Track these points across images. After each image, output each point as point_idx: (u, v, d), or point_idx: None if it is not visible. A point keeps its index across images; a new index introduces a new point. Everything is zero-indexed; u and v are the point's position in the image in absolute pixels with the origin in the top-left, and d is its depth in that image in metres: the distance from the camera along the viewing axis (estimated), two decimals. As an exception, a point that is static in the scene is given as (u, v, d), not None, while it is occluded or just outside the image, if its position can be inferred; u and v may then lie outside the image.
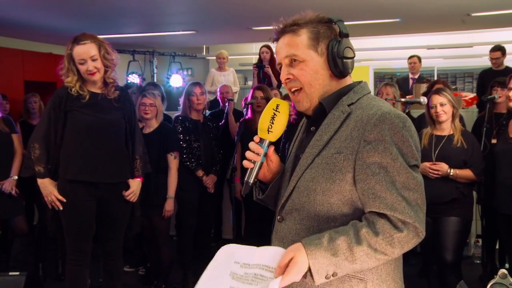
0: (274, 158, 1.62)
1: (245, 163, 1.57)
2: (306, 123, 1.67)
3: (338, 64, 1.52)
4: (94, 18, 6.83)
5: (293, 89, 1.57)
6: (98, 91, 3.18)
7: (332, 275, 1.39)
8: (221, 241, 5.64)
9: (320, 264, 1.37)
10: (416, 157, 1.45)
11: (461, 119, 3.86)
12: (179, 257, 4.50)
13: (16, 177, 4.30)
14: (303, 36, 1.53)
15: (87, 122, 3.11)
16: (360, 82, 1.61)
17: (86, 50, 3.04)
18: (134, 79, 6.29)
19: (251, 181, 1.57)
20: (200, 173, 4.37)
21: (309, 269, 1.38)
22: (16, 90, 7.21)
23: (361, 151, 1.43)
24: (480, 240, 4.86)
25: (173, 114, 4.84)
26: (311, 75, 1.53)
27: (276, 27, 1.58)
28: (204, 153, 4.42)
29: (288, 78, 1.56)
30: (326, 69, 1.54)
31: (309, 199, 1.49)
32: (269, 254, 1.43)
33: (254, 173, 1.57)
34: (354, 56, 1.55)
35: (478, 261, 4.91)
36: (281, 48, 1.56)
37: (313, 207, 1.49)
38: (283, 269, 1.37)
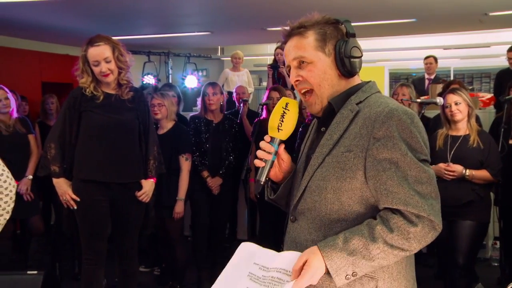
0: (285, 157, 1.63)
1: (256, 162, 1.58)
2: (317, 123, 1.68)
3: (346, 64, 1.55)
4: (110, 20, 6.88)
5: (303, 91, 1.60)
6: (112, 92, 3.21)
7: (352, 275, 1.40)
8: (235, 242, 5.64)
9: (337, 264, 1.38)
10: (425, 152, 1.47)
11: (478, 120, 3.81)
12: (194, 257, 4.52)
13: (31, 177, 4.35)
14: (310, 38, 1.55)
15: (100, 123, 3.14)
16: (368, 81, 1.63)
17: (100, 52, 3.07)
18: (150, 80, 6.32)
19: (263, 180, 1.57)
20: (205, 174, 4.37)
21: (327, 271, 1.39)
22: (33, 91, 7.31)
23: (371, 148, 1.45)
24: (498, 242, 4.79)
25: (188, 115, 4.85)
26: (319, 75, 1.55)
27: (283, 31, 1.61)
28: (211, 155, 4.41)
29: (297, 80, 1.59)
30: (334, 69, 1.56)
31: (320, 198, 1.51)
32: (288, 259, 1.44)
33: (266, 172, 1.58)
34: (361, 56, 1.57)
35: (496, 264, 4.85)
36: (289, 51, 1.59)
37: (324, 205, 1.51)
38: (298, 272, 1.39)
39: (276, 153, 1.59)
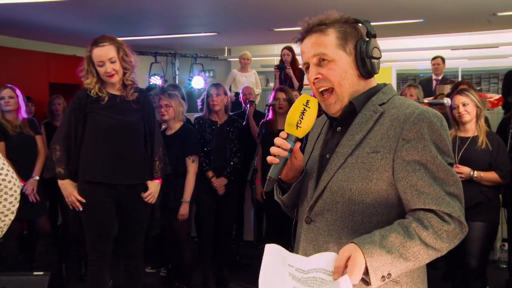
0: (299, 155, 1.57)
1: (270, 158, 1.52)
2: (329, 123, 1.65)
3: (367, 64, 1.53)
4: (117, 20, 6.88)
5: (321, 89, 1.55)
6: (117, 93, 3.20)
7: (387, 276, 1.34)
8: (242, 243, 5.65)
9: (377, 262, 1.31)
10: (452, 155, 1.46)
11: (486, 121, 3.78)
12: (200, 258, 4.51)
13: (37, 178, 4.36)
14: (332, 36, 1.52)
15: (105, 124, 3.14)
16: (385, 84, 1.61)
17: (104, 52, 3.07)
18: (156, 80, 6.32)
19: (275, 177, 1.52)
20: (209, 174, 4.36)
21: (366, 270, 1.31)
22: (41, 92, 7.32)
23: (400, 149, 1.43)
24: (506, 244, 4.75)
25: (194, 116, 4.85)
26: (340, 74, 1.52)
27: (302, 27, 1.57)
28: (215, 155, 4.41)
29: (317, 78, 1.54)
30: (354, 68, 1.54)
31: (344, 199, 1.48)
32: (324, 259, 1.36)
33: (278, 169, 1.52)
34: (380, 57, 1.55)
35: (504, 266, 4.80)
36: (308, 48, 1.55)
37: (348, 207, 1.47)
38: (342, 269, 1.29)
39: (291, 151, 1.53)
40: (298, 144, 1.55)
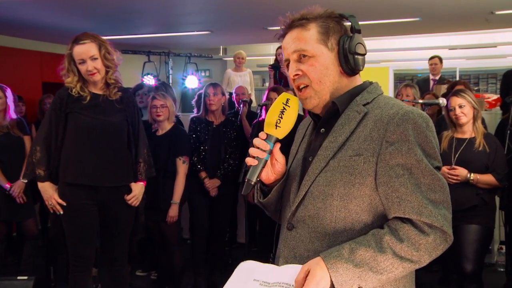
0: (280, 157, 1.49)
1: (248, 160, 1.44)
2: (313, 124, 1.57)
3: (350, 60, 1.45)
4: (109, 19, 6.82)
5: (301, 86, 1.48)
6: (100, 92, 3.11)
7: None
8: (235, 245, 5.59)
9: (343, 277, 1.28)
10: (439, 158, 1.40)
11: (483, 122, 3.71)
12: (192, 261, 4.44)
13: (25, 180, 4.26)
14: (313, 30, 1.45)
15: (88, 124, 3.04)
16: (371, 82, 1.53)
17: (85, 50, 2.98)
18: (150, 80, 6.21)
19: (254, 180, 1.43)
20: (202, 175, 4.29)
21: (332, 285, 1.28)
22: (34, 92, 7.28)
23: (383, 152, 1.36)
24: (503, 247, 4.68)
25: (189, 116, 4.77)
26: (321, 71, 1.45)
27: (284, 22, 1.49)
28: (209, 156, 4.34)
29: (297, 74, 1.47)
30: (336, 65, 1.47)
31: (325, 204, 1.40)
32: (290, 272, 1.34)
33: (257, 172, 1.44)
34: (365, 53, 1.47)
35: (502, 269, 4.73)
36: (288, 43, 1.48)
37: (330, 213, 1.40)
38: (301, 284, 1.28)
39: (271, 152, 1.45)
40: (278, 145, 1.47)
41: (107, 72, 3.07)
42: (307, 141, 1.58)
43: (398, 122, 1.36)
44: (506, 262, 4.18)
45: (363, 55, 1.47)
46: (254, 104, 6.45)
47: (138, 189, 3.22)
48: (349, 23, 1.49)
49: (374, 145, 1.37)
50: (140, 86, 5.37)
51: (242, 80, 7.46)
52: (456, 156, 3.38)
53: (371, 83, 1.53)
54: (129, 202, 3.18)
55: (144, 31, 7.74)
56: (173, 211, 4.00)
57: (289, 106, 1.44)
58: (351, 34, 1.47)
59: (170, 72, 8.06)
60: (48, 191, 3.04)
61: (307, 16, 1.47)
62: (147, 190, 3.45)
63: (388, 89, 10.27)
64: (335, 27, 1.47)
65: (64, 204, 3.03)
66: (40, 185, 3.07)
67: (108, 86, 3.11)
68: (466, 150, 3.38)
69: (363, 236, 1.35)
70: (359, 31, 1.47)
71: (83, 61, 2.99)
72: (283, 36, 1.51)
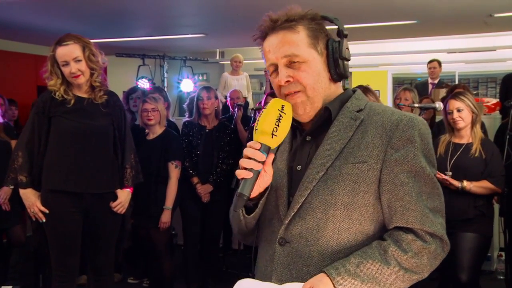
0: (270, 169, 1.36)
1: (241, 172, 1.29)
2: (292, 132, 1.47)
3: (339, 66, 1.38)
4: (104, 22, 6.76)
5: (293, 93, 1.37)
6: (85, 95, 3.01)
7: None
8: (230, 252, 5.48)
9: None
10: (436, 166, 1.39)
11: (482, 126, 3.62)
12: (184, 267, 4.36)
13: (12, 186, 4.15)
14: (302, 34, 1.36)
15: (71, 129, 2.94)
16: (354, 89, 1.48)
17: (68, 51, 2.89)
18: (144, 84, 6.13)
19: (247, 194, 1.29)
20: (194, 180, 4.22)
21: None
22: (29, 95, 7.21)
23: (388, 159, 1.32)
24: (503, 254, 4.59)
25: (182, 120, 4.70)
26: (314, 77, 1.37)
27: (264, 23, 1.38)
28: (202, 161, 4.27)
29: (288, 81, 1.36)
30: (326, 70, 1.39)
31: (327, 215, 1.33)
32: None
33: (252, 185, 1.29)
34: (350, 59, 1.42)
35: (501, 277, 4.63)
36: (275, 47, 1.37)
37: (332, 223, 1.33)
38: None
39: (263, 163, 1.32)
40: (272, 156, 1.36)
41: (92, 75, 2.97)
42: (287, 150, 1.47)
43: (404, 129, 1.33)
44: (506, 270, 4.08)
45: (349, 60, 1.42)
46: (252, 107, 6.38)
47: (124, 196, 3.11)
48: (333, 26, 1.42)
49: (378, 152, 1.33)
50: (134, 89, 5.28)
51: (239, 83, 7.39)
52: (452, 161, 3.30)
53: (354, 90, 1.47)
54: (115, 209, 3.07)
55: (138, 34, 7.67)
56: (166, 217, 3.92)
57: (285, 113, 1.33)
58: (338, 38, 1.40)
59: (165, 75, 7.99)
60: (30, 198, 2.93)
61: (293, 17, 1.37)
62: (138, 195, 3.36)
63: (387, 93, 10.20)
64: (321, 30, 1.39)
65: (47, 211, 2.92)
66: (22, 192, 2.95)
67: (93, 89, 3.01)
68: (462, 156, 3.29)
69: (366, 248, 1.30)
70: (346, 36, 1.40)
71: (67, 63, 2.90)
72: (263, 38, 1.41)
